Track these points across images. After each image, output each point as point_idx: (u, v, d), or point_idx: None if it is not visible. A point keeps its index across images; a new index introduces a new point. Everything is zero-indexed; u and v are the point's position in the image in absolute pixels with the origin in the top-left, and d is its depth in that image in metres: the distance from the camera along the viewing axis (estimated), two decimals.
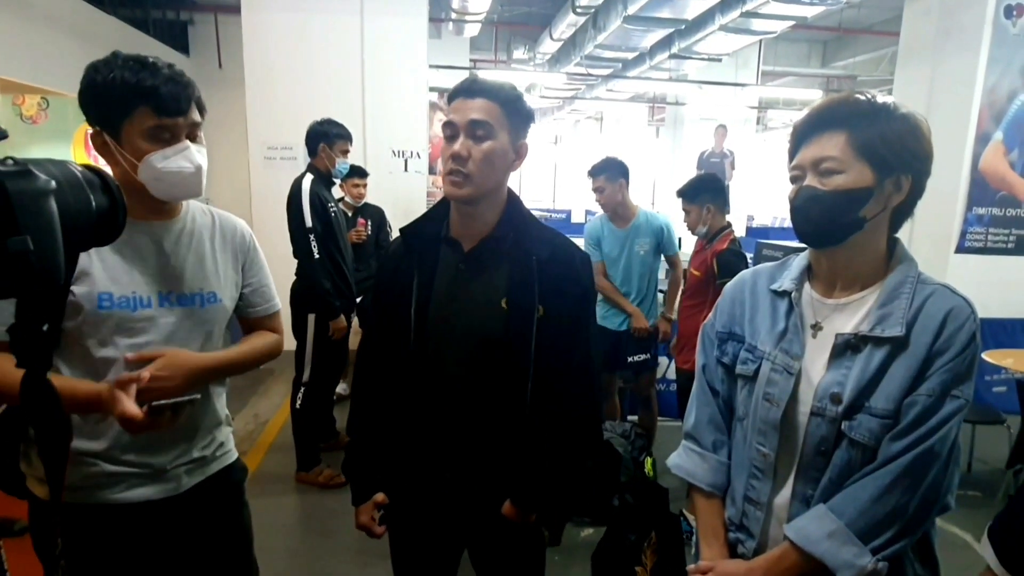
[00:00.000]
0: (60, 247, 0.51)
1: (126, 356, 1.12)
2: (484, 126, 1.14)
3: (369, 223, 3.99)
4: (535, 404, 1.21)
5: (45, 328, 0.51)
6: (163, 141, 1.10)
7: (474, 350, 1.20)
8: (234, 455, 1.38)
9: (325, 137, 2.99)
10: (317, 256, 2.87)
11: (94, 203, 0.58)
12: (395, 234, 1.27)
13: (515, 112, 1.18)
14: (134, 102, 1.07)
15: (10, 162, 0.49)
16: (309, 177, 2.94)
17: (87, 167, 0.60)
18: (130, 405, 1.03)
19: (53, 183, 0.51)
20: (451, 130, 1.16)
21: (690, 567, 1.09)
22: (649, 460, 3.00)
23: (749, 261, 2.74)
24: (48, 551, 1.14)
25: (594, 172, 3.05)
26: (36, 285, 0.49)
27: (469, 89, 1.16)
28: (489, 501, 1.26)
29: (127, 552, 1.21)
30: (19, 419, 1.13)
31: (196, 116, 1.15)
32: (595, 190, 3.05)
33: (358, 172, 3.90)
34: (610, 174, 3.01)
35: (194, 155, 1.13)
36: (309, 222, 2.87)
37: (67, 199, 0.52)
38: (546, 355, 1.19)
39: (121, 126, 1.08)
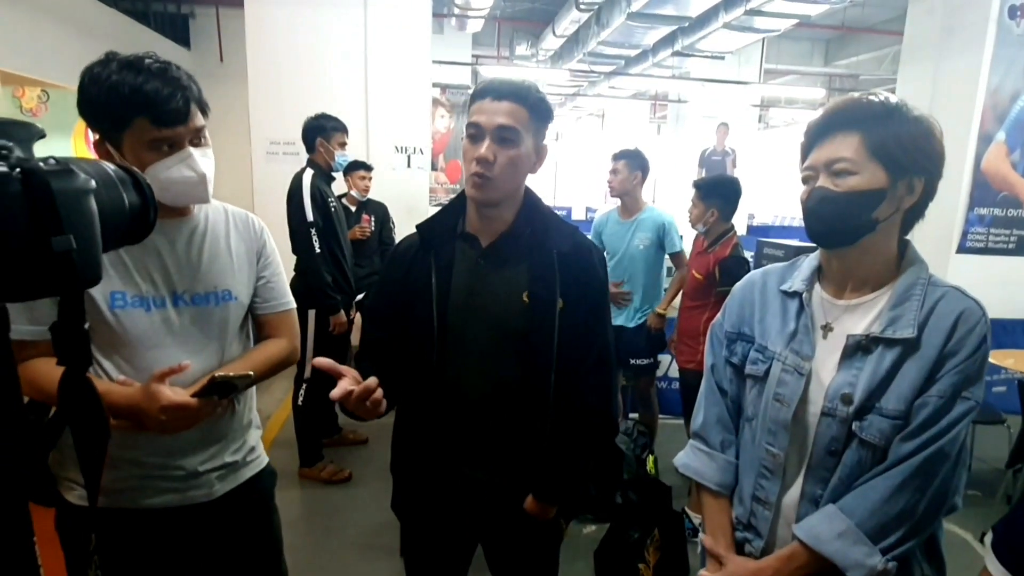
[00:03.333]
0: (100, 246, 0.51)
1: (118, 379, 1.11)
2: (511, 131, 1.13)
3: (373, 219, 3.99)
4: (557, 397, 1.21)
5: (87, 326, 0.51)
6: (164, 151, 1.07)
7: (496, 344, 1.20)
8: (265, 460, 1.37)
9: (321, 131, 2.99)
10: (318, 250, 2.87)
11: (127, 201, 0.58)
12: (398, 230, 1.28)
13: (539, 115, 1.18)
14: (131, 114, 1.03)
15: (52, 161, 0.49)
16: (310, 172, 2.94)
17: (119, 165, 0.60)
18: (173, 395, 1.04)
19: (93, 182, 0.51)
20: (475, 131, 1.15)
21: (701, 573, 1.10)
22: (651, 458, 3.01)
23: (750, 263, 2.76)
24: (79, 553, 1.13)
25: (617, 156, 3.12)
26: (79, 284, 0.49)
27: (497, 90, 1.14)
28: (507, 496, 1.27)
29: (158, 558, 1.20)
30: (50, 422, 1.12)
31: (198, 120, 1.11)
32: (611, 171, 3.11)
33: (363, 165, 3.91)
34: (630, 162, 3.07)
35: (197, 162, 1.10)
36: (311, 216, 2.87)
37: (103, 198, 0.52)
38: (567, 348, 1.20)
39: (121, 138, 1.06)
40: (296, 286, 2.95)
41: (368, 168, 3.95)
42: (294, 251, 2.93)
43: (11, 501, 0.50)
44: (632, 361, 3.16)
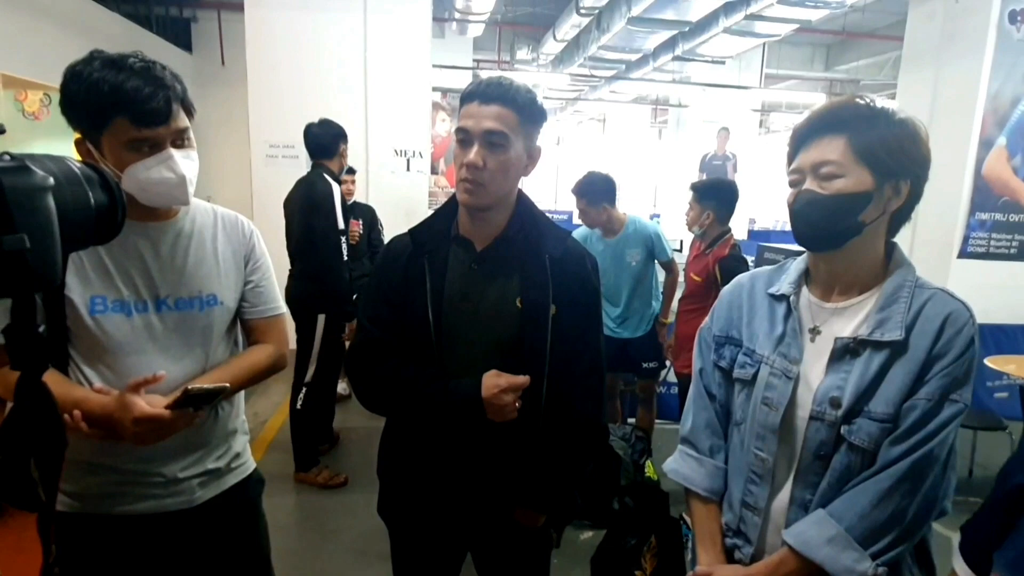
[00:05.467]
0: (58, 246, 0.50)
1: (95, 387, 1.08)
2: (500, 135, 1.11)
3: (361, 223, 4.01)
4: (548, 403, 1.20)
5: (41, 329, 0.50)
6: (144, 152, 1.05)
7: (489, 350, 1.19)
8: (251, 466, 1.34)
9: (343, 137, 3.00)
10: (346, 258, 2.89)
11: (93, 200, 0.57)
12: (387, 233, 1.26)
13: (530, 117, 1.15)
14: (111, 113, 1.01)
15: (7, 158, 0.48)
16: (330, 179, 2.93)
17: (86, 163, 0.59)
18: (147, 406, 1.02)
19: (51, 179, 0.50)
20: (464, 135, 1.13)
21: (689, 574, 1.09)
22: (650, 463, 3.00)
23: (750, 265, 2.75)
24: (45, 559, 1.13)
25: (577, 193, 2.99)
26: (33, 285, 0.48)
27: (484, 93, 1.12)
28: (497, 504, 1.26)
29: (139, 565, 1.19)
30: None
31: (181, 121, 1.08)
32: (579, 209, 3.02)
33: (349, 169, 3.94)
34: (591, 199, 2.93)
35: (177, 164, 1.07)
36: (342, 224, 2.87)
37: (65, 196, 0.51)
38: (559, 354, 1.19)
39: (100, 137, 1.03)
40: (309, 290, 2.93)
41: (352, 171, 3.96)
42: (312, 257, 2.89)
43: None
44: (644, 365, 3.19)
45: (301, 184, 2.95)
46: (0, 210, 0.45)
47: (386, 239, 3.91)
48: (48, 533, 1.13)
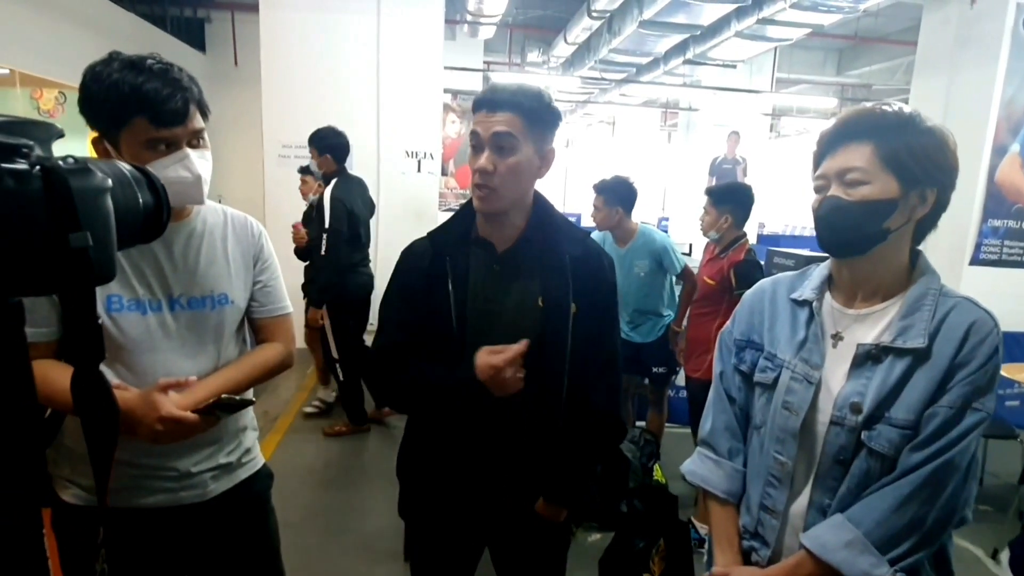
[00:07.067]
0: (115, 244, 0.52)
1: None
2: (508, 139, 1.14)
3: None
4: (568, 400, 1.22)
5: (100, 321, 0.52)
6: (161, 151, 1.07)
7: None
8: (260, 461, 1.37)
9: None
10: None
11: (141, 201, 0.59)
12: (407, 235, 1.28)
13: (539, 120, 1.17)
14: (130, 113, 1.03)
15: (71, 160, 0.50)
16: None
17: (134, 166, 0.61)
18: (174, 407, 1.04)
19: (109, 181, 0.52)
20: (476, 141, 1.16)
21: (705, 575, 1.09)
22: (658, 466, 3.00)
23: (763, 268, 2.75)
24: (81, 549, 1.12)
25: (597, 189, 3.03)
26: (94, 279, 0.50)
27: (492, 101, 1.15)
28: (518, 499, 1.27)
29: (155, 557, 1.20)
30: (46, 422, 1.12)
31: (197, 123, 1.11)
32: (594, 205, 3.06)
33: (309, 169, 3.98)
34: (608, 197, 2.97)
35: (193, 164, 1.09)
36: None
37: (118, 197, 0.53)
38: (579, 351, 1.21)
39: (119, 136, 1.05)
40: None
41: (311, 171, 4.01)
42: None
43: (26, 498, 0.50)
44: (655, 369, 3.21)
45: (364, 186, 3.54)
46: (68, 209, 0.47)
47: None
48: (78, 526, 1.14)
